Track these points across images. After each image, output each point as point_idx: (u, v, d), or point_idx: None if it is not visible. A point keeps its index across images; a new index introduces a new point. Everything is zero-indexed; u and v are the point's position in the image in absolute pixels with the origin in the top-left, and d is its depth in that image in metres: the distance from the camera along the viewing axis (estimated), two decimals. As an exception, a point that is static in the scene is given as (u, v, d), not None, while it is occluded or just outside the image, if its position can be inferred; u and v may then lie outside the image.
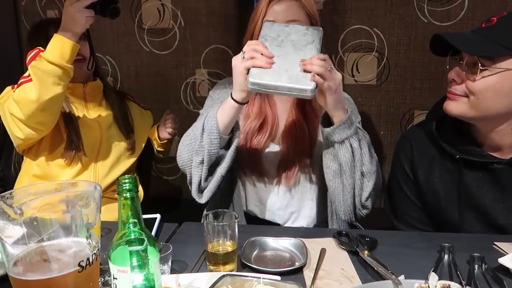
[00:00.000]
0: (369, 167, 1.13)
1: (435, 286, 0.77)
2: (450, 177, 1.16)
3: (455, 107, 1.07)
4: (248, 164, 1.29)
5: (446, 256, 0.94)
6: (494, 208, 1.11)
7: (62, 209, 0.59)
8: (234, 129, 1.15)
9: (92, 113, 1.48)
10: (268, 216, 1.35)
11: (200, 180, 1.16)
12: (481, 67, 1.00)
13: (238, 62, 1.05)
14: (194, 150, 1.14)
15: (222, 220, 0.91)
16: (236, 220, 0.89)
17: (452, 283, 0.77)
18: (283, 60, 1.02)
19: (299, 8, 1.23)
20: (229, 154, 1.16)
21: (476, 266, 0.89)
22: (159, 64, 2.05)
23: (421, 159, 1.21)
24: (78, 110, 1.45)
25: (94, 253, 0.63)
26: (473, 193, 1.13)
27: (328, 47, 1.87)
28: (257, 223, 1.33)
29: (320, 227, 1.36)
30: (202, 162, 1.14)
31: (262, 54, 1.02)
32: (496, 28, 1.02)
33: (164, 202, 2.05)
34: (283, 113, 1.31)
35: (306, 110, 1.30)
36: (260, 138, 1.27)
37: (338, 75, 1.05)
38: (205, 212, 1.31)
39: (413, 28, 1.83)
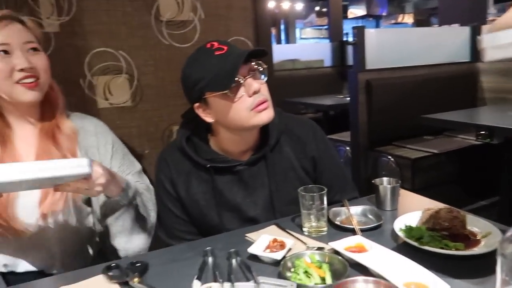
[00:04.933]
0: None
1: (199, 293, 0.83)
2: (206, 186, 1.29)
3: (271, 112, 1.20)
4: None
5: (209, 259, 1.03)
6: (244, 204, 1.30)
7: None
8: None
9: None
10: (35, 265, 1.19)
11: None
12: (263, 71, 1.19)
13: None
14: None
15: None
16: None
17: (213, 284, 0.86)
18: None
19: (26, 31, 1.14)
20: None
21: (233, 261, 1.01)
22: None
23: (179, 175, 1.29)
24: None
25: None
26: (226, 195, 1.29)
27: (74, 70, 1.77)
28: (22, 279, 1.13)
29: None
30: None
31: None
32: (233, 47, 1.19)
33: None
34: (29, 152, 1.18)
35: (56, 136, 1.20)
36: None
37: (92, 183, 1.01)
38: None
39: (157, 50, 1.92)
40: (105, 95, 1.87)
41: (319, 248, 1.04)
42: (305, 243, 1.09)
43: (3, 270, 1.16)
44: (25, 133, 1.18)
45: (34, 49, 1.14)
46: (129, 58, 1.88)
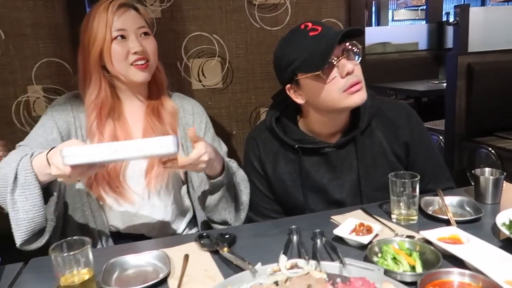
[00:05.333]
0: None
1: (285, 266, 0.86)
2: (293, 166, 1.31)
3: (364, 94, 1.16)
4: (108, 185, 1.22)
5: (294, 237, 1.05)
6: (330, 186, 1.29)
7: None
8: None
9: None
10: (136, 230, 1.31)
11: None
12: (357, 51, 1.16)
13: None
14: (7, 203, 1.02)
15: (74, 248, 0.85)
16: (89, 246, 0.85)
17: (298, 260, 0.88)
18: None
19: (140, 17, 1.25)
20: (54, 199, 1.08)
21: (318, 241, 1.02)
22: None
23: (267, 154, 1.33)
24: None
25: None
26: (312, 177, 1.29)
27: (172, 54, 1.89)
28: (126, 240, 1.28)
29: (186, 228, 1.39)
30: (20, 220, 1.03)
31: None
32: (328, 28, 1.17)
33: (8, 240, 1.79)
34: (137, 126, 1.29)
35: (161, 113, 1.30)
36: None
37: (201, 158, 1.07)
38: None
39: (248, 33, 1.97)
40: (198, 77, 1.98)
41: (409, 237, 1.00)
42: (393, 230, 1.06)
43: (111, 230, 1.31)
44: (134, 109, 1.31)
45: (146, 33, 1.24)
46: (222, 42, 1.95)
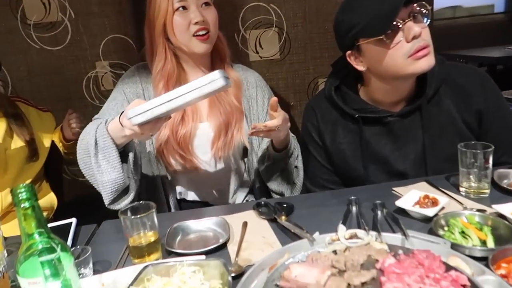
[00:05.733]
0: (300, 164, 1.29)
1: (344, 236, 0.85)
2: (352, 137, 1.27)
3: (432, 60, 1.08)
4: (178, 152, 1.27)
5: (353, 208, 1.03)
6: (392, 156, 1.24)
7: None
8: None
9: None
10: (200, 197, 1.37)
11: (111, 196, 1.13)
12: (426, 13, 1.08)
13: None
14: (93, 168, 1.10)
15: (140, 212, 0.90)
16: (154, 210, 0.89)
17: (358, 231, 0.86)
18: None
19: None
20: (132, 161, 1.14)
21: (378, 212, 0.99)
22: (54, 61, 1.90)
23: (325, 124, 1.30)
24: None
25: (0, 270, 0.60)
26: (373, 147, 1.25)
27: (230, 25, 1.89)
28: (190, 206, 1.35)
29: (246, 198, 1.43)
30: (105, 182, 1.10)
31: None
32: None
33: (82, 205, 1.95)
34: None
35: None
36: (187, 127, 1.26)
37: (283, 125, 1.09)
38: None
39: (306, 1, 1.91)
40: (256, 48, 1.97)
41: (480, 210, 0.94)
42: (461, 204, 1.00)
43: (178, 197, 1.37)
44: None
45: (206, 3, 1.25)
46: (279, 11, 1.91)
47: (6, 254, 0.64)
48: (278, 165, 1.27)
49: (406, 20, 1.05)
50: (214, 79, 0.91)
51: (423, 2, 1.07)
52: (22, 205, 0.60)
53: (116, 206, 1.14)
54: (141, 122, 0.96)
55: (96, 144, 1.08)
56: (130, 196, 1.15)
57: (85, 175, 1.14)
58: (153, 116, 0.95)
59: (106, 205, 1.14)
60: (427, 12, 1.07)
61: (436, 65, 1.11)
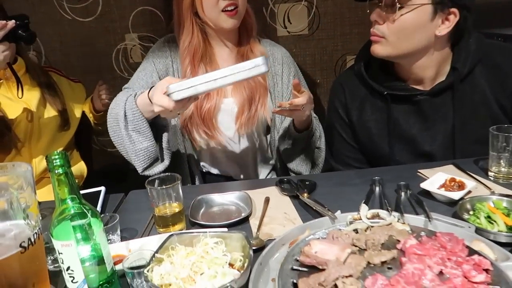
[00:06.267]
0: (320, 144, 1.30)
1: (366, 216, 0.85)
2: (380, 114, 1.24)
3: (382, 49, 1.13)
4: (202, 127, 1.29)
5: (377, 188, 1.03)
6: (420, 136, 1.21)
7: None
8: None
9: (18, 94, 1.39)
10: (224, 172, 1.40)
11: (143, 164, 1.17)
12: (399, 5, 1.05)
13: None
14: (123, 138, 1.13)
15: (166, 183, 0.93)
16: (179, 182, 0.92)
17: (380, 211, 0.86)
18: None
19: None
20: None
21: (402, 193, 0.98)
22: (84, 32, 1.93)
23: (353, 101, 1.28)
24: (2, 94, 1.36)
25: (35, 232, 0.63)
26: (401, 126, 1.22)
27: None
28: (214, 180, 1.38)
29: (269, 174, 1.44)
30: (138, 150, 1.14)
31: None
32: None
33: (110, 175, 2.02)
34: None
35: (250, 58, 1.31)
36: (212, 102, 1.27)
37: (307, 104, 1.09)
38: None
39: (338, -26, 1.85)
40: (284, 23, 1.93)
41: (508, 196, 0.91)
42: (489, 188, 0.97)
43: (203, 170, 1.40)
44: (225, 54, 1.33)
45: None
46: (308, -16, 1.86)
47: (40, 218, 0.67)
48: (298, 145, 1.27)
49: None
50: (258, 64, 0.94)
51: None
52: (56, 171, 0.63)
53: (149, 172, 1.18)
54: (182, 98, 0.97)
55: (125, 116, 1.10)
56: (164, 162, 1.19)
57: (114, 143, 1.18)
58: (196, 93, 0.96)
59: (140, 172, 1.18)
60: None
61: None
